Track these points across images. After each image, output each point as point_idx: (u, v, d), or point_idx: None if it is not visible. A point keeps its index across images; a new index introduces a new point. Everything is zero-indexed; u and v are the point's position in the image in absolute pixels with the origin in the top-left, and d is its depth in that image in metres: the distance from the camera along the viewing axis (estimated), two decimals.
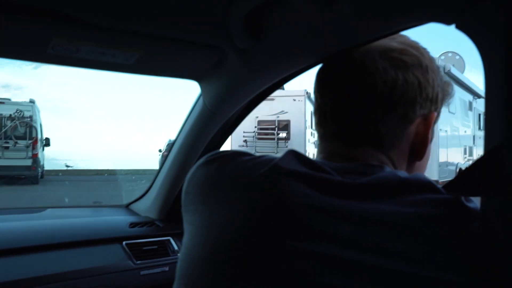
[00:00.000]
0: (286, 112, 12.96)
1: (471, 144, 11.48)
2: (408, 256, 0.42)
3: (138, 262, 1.20)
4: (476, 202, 0.47)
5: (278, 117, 12.93)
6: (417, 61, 0.57)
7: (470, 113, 11.28)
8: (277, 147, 12.00)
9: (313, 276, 0.43)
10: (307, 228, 0.45)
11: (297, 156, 0.53)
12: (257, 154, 0.55)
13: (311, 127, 12.52)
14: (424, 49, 0.60)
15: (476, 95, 11.43)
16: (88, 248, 1.19)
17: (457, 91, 9.53)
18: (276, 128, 12.92)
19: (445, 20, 0.48)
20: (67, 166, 15.24)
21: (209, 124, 1.12)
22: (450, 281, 0.41)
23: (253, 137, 12.66)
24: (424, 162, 0.62)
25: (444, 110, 0.65)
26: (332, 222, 0.45)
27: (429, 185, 0.48)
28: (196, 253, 0.50)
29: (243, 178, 0.51)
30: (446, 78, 0.61)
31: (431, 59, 0.59)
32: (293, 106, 12.97)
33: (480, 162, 0.42)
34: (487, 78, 0.41)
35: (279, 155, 0.53)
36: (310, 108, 12.74)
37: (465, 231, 0.45)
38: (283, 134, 12.99)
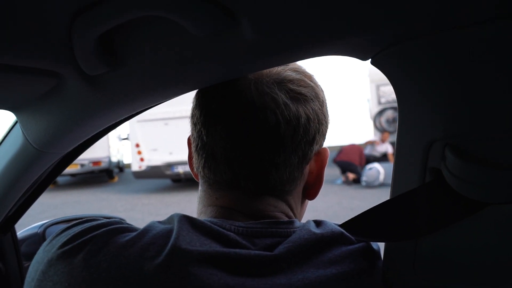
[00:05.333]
0: None
1: None
2: None
3: None
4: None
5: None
6: (314, 93, 0.50)
7: None
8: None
9: None
10: None
11: (194, 226, 0.42)
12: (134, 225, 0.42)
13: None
14: (313, 76, 0.53)
15: None
16: None
17: None
18: None
19: (361, 57, 0.46)
20: None
21: (34, 164, 0.78)
22: None
23: None
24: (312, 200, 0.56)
25: None
26: None
27: (341, 236, 0.48)
28: None
29: (131, 275, 0.36)
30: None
31: (322, 89, 0.53)
32: None
33: (387, 207, 0.45)
34: (400, 106, 0.45)
35: (168, 225, 0.41)
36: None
37: (377, 277, 0.48)
38: None
